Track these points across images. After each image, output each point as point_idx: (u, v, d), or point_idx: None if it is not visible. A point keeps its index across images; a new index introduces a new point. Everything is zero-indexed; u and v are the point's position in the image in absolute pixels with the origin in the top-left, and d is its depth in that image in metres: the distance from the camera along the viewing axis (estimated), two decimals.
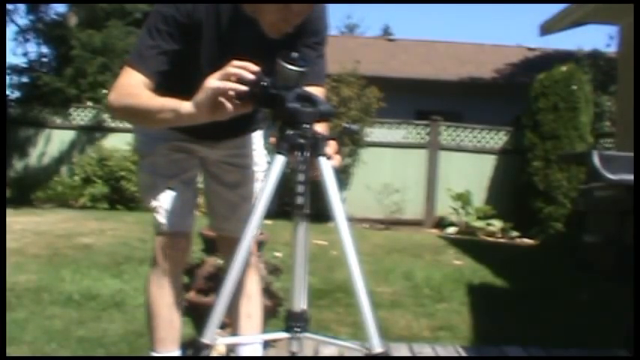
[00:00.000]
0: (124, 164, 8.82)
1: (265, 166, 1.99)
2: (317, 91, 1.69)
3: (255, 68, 1.48)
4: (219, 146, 1.96)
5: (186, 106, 1.52)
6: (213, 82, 1.48)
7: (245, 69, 1.47)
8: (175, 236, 1.85)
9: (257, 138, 2.04)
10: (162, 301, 1.86)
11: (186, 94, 1.54)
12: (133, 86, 1.62)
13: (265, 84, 1.49)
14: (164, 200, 1.86)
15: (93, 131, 10.17)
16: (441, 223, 9.09)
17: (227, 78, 1.47)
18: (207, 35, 1.67)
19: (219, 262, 2.47)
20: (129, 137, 8.18)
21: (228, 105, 1.48)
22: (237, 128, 1.91)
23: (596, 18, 7.11)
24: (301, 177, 1.44)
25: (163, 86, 1.62)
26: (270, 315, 2.60)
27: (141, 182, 1.99)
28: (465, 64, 14.68)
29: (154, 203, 1.87)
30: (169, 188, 1.87)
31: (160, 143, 1.89)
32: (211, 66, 1.54)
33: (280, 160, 1.47)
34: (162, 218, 1.85)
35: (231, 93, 1.48)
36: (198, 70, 1.62)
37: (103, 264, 4.84)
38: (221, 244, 2.13)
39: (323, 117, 1.49)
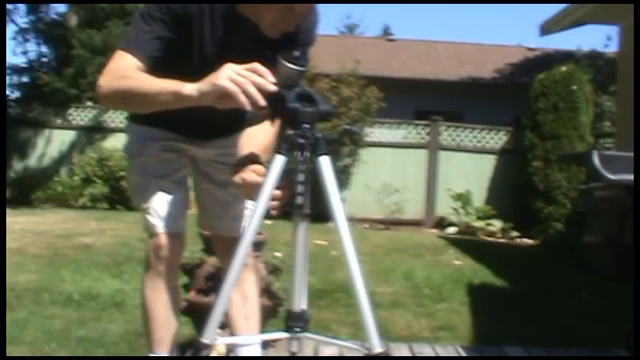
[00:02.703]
0: (124, 164, 8.75)
1: None
2: None
3: (272, 79, 1.42)
4: (210, 145, 1.95)
5: (188, 90, 1.48)
6: (226, 81, 1.42)
7: (266, 78, 1.42)
8: (168, 237, 1.83)
9: None
10: (157, 302, 1.86)
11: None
12: (126, 69, 1.58)
13: None
14: (155, 201, 1.84)
15: (93, 131, 10.17)
16: (441, 223, 9.09)
17: (244, 79, 1.42)
18: (198, 33, 1.66)
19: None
20: None
21: (244, 100, 1.41)
22: (227, 127, 1.90)
23: (596, 18, 7.11)
24: (301, 177, 1.44)
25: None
26: (270, 315, 2.60)
27: (131, 183, 1.97)
28: (465, 64, 14.69)
29: (144, 204, 1.85)
30: (160, 189, 1.86)
31: (150, 143, 1.88)
32: (204, 65, 1.53)
33: (280, 160, 1.47)
34: (153, 219, 1.83)
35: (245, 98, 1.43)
36: (190, 69, 1.61)
37: (103, 264, 4.84)
38: (215, 244, 2.12)
39: (323, 117, 1.49)
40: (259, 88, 1.41)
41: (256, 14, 1.63)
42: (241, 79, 1.41)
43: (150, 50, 1.61)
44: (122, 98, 1.62)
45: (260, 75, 1.42)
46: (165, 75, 1.55)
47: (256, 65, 1.44)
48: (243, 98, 1.41)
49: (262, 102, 1.41)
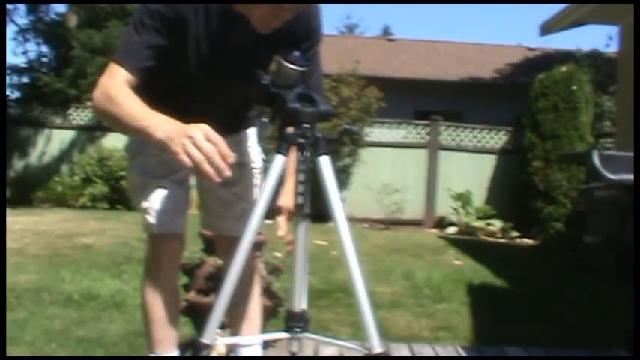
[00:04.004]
0: (124, 164, 8.79)
1: (260, 164, 1.98)
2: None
3: (231, 157, 1.36)
4: None
5: (159, 136, 1.43)
6: (182, 155, 1.35)
7: (225, 157, 1.35)
8: (167, 238, 1.83)
9: (251, 135, 2.03)
10: (157, 302, 1.85)
11: (173, 94, 1.52)
12: (115, 87, 1.55)
13: (265, 82, 1.49)
14: (155, 201, 1.83)
15: (93, 131, 10.17)
16: (441, 223, 9.09)
17: (201, 155, 1.34)
18: (194, 34, 1.65)
19: (219, 262, 2.47)
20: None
21: (212, 176, 1.35)
22: (229, 126, 1.90)
23: (596, 18, 7.11)
24: (301, 177, 1.44)
25: (150, 88, 1.57)
26: (270, 315, 2.60)
27: (131, 183, 1.96)
28: (465, 64, 14.69)
29: (144, 204, 1.84)
30: (160, 189, 1.85)
31: (151, 143, 1.88)
32: (202, 67, 1.53)
33: (280, 160, 1.47)
34: (153, 219, 1.83)
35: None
36: (188, 72, 1.61)
37: (103, 264, 4.84)
38: (218, 244, 2.12)
39: (323, 117, 1.49)
40: (215, 167, 1.34)
41: (248, 9, 1.62)
42: (197, 155, 1.34)
43: (140, 61, 1.58)
44: (108, 120, 1.60)
45: (219, 150, 1.34)
46: (163, 80, 1.54)
47: (216, 139, 1.36)
48: (196, 173, 1.36)
49: (215, 179, 1.34)
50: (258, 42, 1.64)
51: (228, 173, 1.34)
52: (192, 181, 2.03)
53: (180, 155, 1.35)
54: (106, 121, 1.68)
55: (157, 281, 1.85)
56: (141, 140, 1.91)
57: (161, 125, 1.44)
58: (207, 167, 1.33)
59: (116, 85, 1.56)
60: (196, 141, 1.34)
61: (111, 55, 1.65)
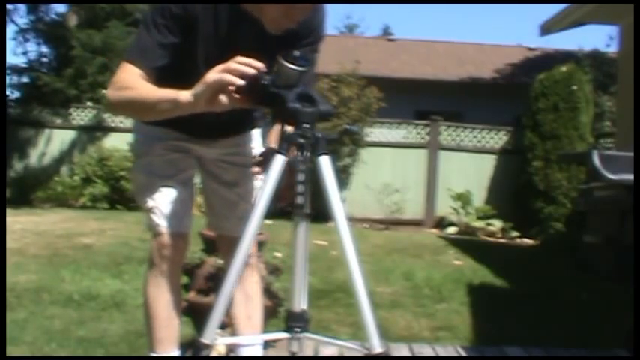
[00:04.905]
0: (124, 164, 8.81)
1: None
2: None
3: (258, 64, 1.49)
4: (217, 145, 1.95)
5: (184, 96, 1.54)
6: (213, 75, 1.49)
7: (248, 65, 1.48)
8: (172, 237, 1.84)
9: (255, 136, 2.03)
10: (160, 301, 1.86)
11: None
12: (129, 79, 1.62)
13: (265, 82, 1.49)
14: (160, 201, 1.84)
15: (93, 131, 10.17)
16: (441, 223, 9.08)
17: (228, 72, 1.48)
18: (203, 32, 1.67)
19: (219, 262, 2.47)
20: (129, 137, 8.12)
21: (224, 98, 1.50)
22: (234, 127, 1.91)
23: (596, 18, 7.11)
24: (301, 177, 1.44)
25: (161, 83, 1.61)
26: (270, 315, 2.60)
27: (136, 182, 1.97)
28: (465, 64, 14.69)
29: (150, 204, 1.85)
30: (166, 187, 1.86)
31: (156, 143, 1.88)
32: (208, 64, 1.54)
33: (280, 160, 1.47)
34: (158, 219, 1.83)
35: (231, 88, 1.49)
36: (195, 68, 1.62)
37: (103, 264, 4.84)
38: (221, 244, 2.12)
39: (323, 117, 1.49)
40: (240, 75, 1.48)
41: (259, 10, 1.63)
42: (234, 66, 1.49)
43: (154, 61, 1.63)
44: (127, 108, 1.70)
45: (242, 63, 1.49)
46: (173, 77, 1.56)
47: (237, 57, 1.50)
48: (228, 77, 1.48)
49: (249, 71, 1.48)
50: (263, 42, 1.64)
51: (259, 64, 1.49)
52: (196, 180, 2.03)
53: (211, 76, 1.49)
54: (126, 111, 1.78)
55: (160, 280, 1.86)
56: (146, 141, 1.92)
57: (180, 91, 1.55)
58: (235, 66, 1.49)
59: (130, 76, 1.62)
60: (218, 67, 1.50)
61: (118, 46, 1.69)
